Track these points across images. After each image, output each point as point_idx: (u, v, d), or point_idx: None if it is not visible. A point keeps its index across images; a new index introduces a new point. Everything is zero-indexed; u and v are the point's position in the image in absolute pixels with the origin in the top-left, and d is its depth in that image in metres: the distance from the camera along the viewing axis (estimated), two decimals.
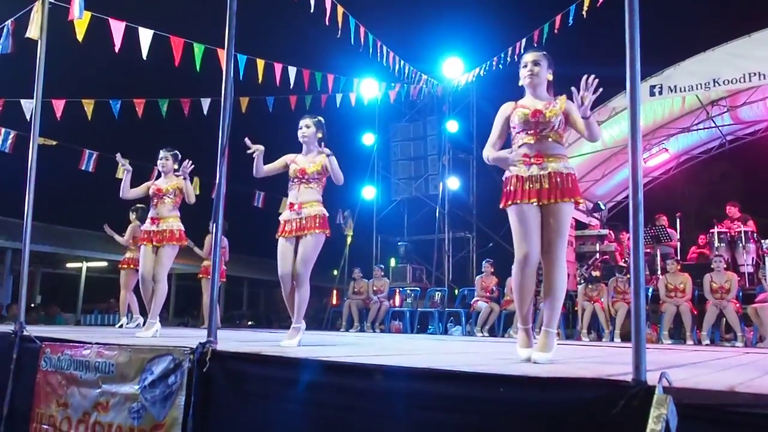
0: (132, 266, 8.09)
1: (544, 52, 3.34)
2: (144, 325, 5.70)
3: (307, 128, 4.45)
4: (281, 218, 4.45)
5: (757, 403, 1.80)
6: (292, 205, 4.38)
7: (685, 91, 9.63)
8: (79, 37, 5.60)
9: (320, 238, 4.33)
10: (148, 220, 5.55)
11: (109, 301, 16.92)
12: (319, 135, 4.47)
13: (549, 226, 3.15)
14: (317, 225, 4.28)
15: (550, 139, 3.19)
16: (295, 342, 4.14)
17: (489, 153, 3.30)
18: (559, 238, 3.14)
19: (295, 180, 4.41)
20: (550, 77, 3.32)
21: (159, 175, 5.74)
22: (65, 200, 15.77)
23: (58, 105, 7.90)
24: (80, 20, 5.53)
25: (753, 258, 9.24)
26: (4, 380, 3.92)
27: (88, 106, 8.23)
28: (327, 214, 4.40)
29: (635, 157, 2.13)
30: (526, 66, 3.29)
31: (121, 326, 7.90)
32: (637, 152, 2.14)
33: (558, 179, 3.13)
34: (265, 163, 4.46)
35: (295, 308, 4.31)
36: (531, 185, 3.14)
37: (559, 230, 3.14)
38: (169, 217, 5.51)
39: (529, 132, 3.21)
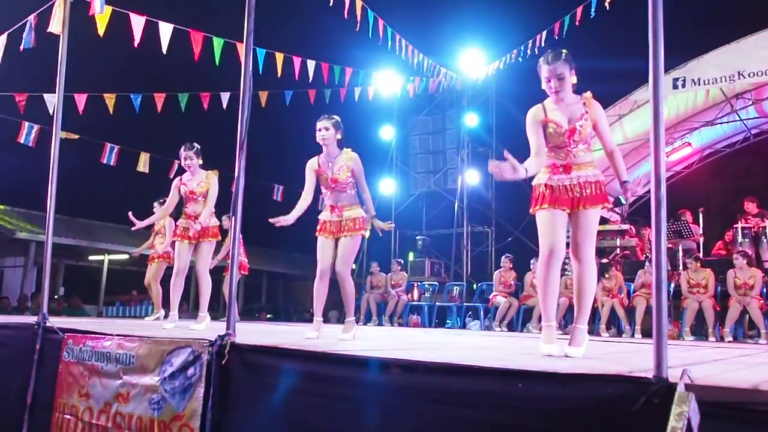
0: (161, 258, 8.11)
1: (563, 55, 3.15)
2: (166, 317, 5.81)
3: (326, 131, 4.42)
4: (321, 217, 4.53)
5: None
6: (333, 207, 4.47)
7: (708, 83, 9.49)
8: (101, 31, 5.65)
9: (358, 239, 4.46)
10: (183, 216, 5.63)
11: (131, 293, 17.12)
12: (339, 135, 4.48)
13: (577, 228, 3.23)
14: (356, 227, 4.40)
15: (580, 149, 3.26)
16: (351, 335, 4.30)
17: (527, 166, 3.13)
18: (587, 240, 3.23)
19: (330, 187, 4.48)
20: (575, 80, 3.22)
21: (180, 170, 5.80)
22: (88, 194, 15.96)
23: (80, 99, 7.97)
24: (101, 15, 5.57)
25: None
26: (27, 370, 3.98)
27: (110, 100, 8.30)
28: (365, 216, 4.50)
29: (658, 151, 2.10)
30: (549, 80, 3.17)
31: (158, 318, 7.81)
32: (660, 146, 2.10)
33: (588, 189, 3.21)
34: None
35: (345, 304, 4.49)
36: (560, 194, 3.22)
37: (587, 232, 3.23)
38: (213, 213, 5.64)
39: (560, 146, 3.25)
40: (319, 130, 4.43)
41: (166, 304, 6.62)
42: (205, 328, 5.23)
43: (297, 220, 4.46)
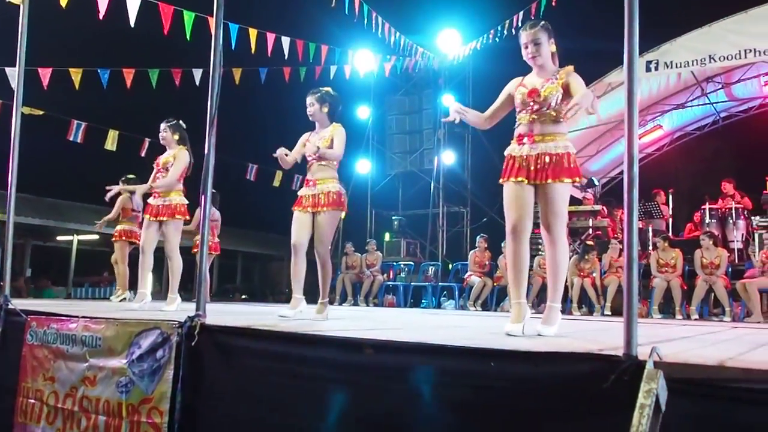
0: (125, 238, 8.01)
1: (542, 24, 3.23)
2: (135, 299, 5.67)
3: (311, 106, 4.42)
4: (299, 193, 4.48)
5: (746, 378, 1.79)
6: (308, 181, 4.42)
7: (681, 67, 9.57)
8: (63, 2, 5.47)
9: (335, 215, 4.36)
10: (153, 195, 5.50)
11: (102, 274, 16.86)
12: (325, 109, 4.41)
13: (544, 205, 3.16)
14: (331, 201, 4.30)
15: (547, 118, 3.17)
16: (323, 316, 4.25)
17: (477, 114, 3.41)
18: (555, 218, 3.14)
19: (310, 158, 4.42)
20: (553, 48, 3.24)
21: (155, 149, 5.66)
22: (55, 172, 15.61)
23: (45, 74, 7.74)
24: None
25: (743, 234, 9.28)
26: None
27: (76, 75, 8.08)
28: (342, 191, 4.40)
29: (631, 131, 2.09)
30: (526, 47, 3.23)
31: (124, 299, 7.74)
32: (633, 126, 2.10)
33: (547, 159, 3.11)
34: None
35: (321, 284, 4.39)
36: (521, 164, 3.16)
37: (553, 210, 3.14)
38: (170, 191, 5.44)
39: (526, 111, 3.21)
40: (307, 107, 4.44)
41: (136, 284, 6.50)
42: (176, 309, 5.14)
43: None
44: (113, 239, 8.21)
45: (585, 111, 2.97)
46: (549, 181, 3.09)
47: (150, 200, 5.51)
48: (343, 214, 4.48)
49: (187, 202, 5.53)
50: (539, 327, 3.05)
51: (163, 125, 5.53)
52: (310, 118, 4.45)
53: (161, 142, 5.57)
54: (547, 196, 3.13)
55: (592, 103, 3.02)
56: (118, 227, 8.09)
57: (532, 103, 3.18)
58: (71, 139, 9.34)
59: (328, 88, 4.49)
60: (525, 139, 3.19)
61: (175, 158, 5.41)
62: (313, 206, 4.33)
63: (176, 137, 5.49)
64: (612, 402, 1.84)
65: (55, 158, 12.99)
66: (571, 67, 3.23)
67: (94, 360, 3.24)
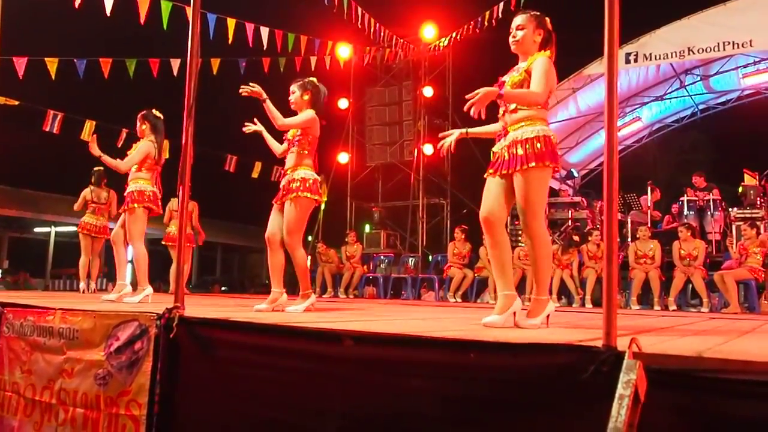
0: (85, 231, 8.05)
1: (532, 13, 3.22)
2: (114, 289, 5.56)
3: (292, 94, 4.42)
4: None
5: (724, 369, 1.81)
6: (284, 172, 4.41)
7: (660, 59, 9.65)
8: None
9: (303, 204, 4.26)
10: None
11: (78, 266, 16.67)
12: (306, 96, 4.39)
13: (516, 197, 3.09)
14: (299, 188, 4.23)
15: (517, 107, 3.13)
16: (301, 308, 4.21)
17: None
18: (528, 209, 3.04)
19: (287, 146, 4.42)
20: (539, 38, 3.19)
21: (130, 138, 5.57)
22: (32, 163, 15.36)
23: (20, 63, 7.59)
24: None
25: (720, 226, 9.42)
26: None
27: (51, 65, 7.93)
28: (310, 178, 4.31)
29: (611, 123, 2.10)
30: (511, 32, 3.25)
31: (82, 291, 7.88)
32: (613, 118, 2.10)
33: (518, 147, 3.05)
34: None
35: (297, 277, 4.37)
36: (497, 159, 3.19)
37: (525, 200, 3.04)
38: (137, 179, 5.31)
39: (501, 104, 3.21)
40: (289, 96, 4.43)
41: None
42: (139, 299, 4.94)
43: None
44: (79, 230, 8.25)
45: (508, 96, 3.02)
46: (518, 170, 3.04)
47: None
48: (315, 204, 4.37)
49: (148, 189, 5.26)
50: (519, 319, 3.03)
51: (138, 117, 5.44)
52: (292, 107, 4.41)
53: (138, 135, 5.47)
54: (517, 188, 3.07)
55: (528, 99, 3.04)
56: (84, 218, 8.16)
57: (500, 97, 3.12)
58: (47, 129, 9.18)
59: (314, 78, 4.47)
60: (502, 134, 3.22)
61: (137, 147, 5.33)
62: (283, 195, 4.30)
63: (144, 127, 5.36)
64: (591, 393, 1.85)
65: (32, 149, 12.77)
66: (543, 54, 3.15)
67: (71, 352, 3.19)
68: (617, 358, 1.84)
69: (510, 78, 3.18)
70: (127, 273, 5.37)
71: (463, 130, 3.42)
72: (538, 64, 3.08)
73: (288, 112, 4.45)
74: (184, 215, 3.18)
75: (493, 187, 3.16)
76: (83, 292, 7.87)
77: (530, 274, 3.26)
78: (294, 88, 4.41)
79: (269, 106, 4.20)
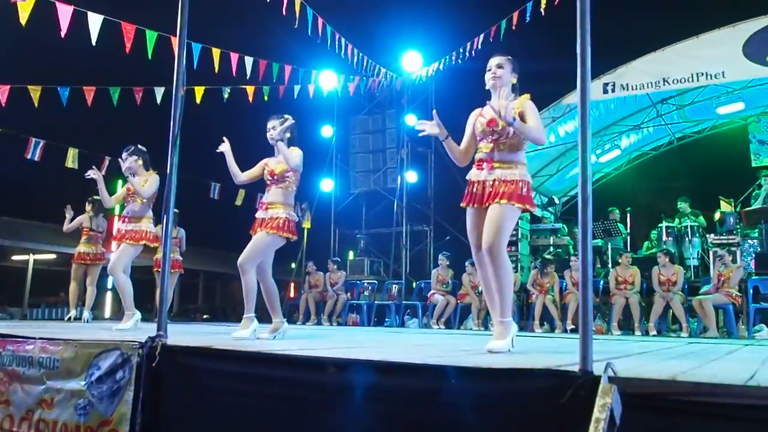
0: (81, 261, 7.99)
1: (509, 57, 3.44)
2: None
3: (273, 129, 4.42)
4: (256, 216, 4.51)
5: (696, 392, 1.86)
6: (262, 204, 4.46)
7: (636, 89, 9.86)
8: (23, 20, 5.39)
9: (273, 239, 4.33)
10: (119, 218, 5.56)
11: (59, 294, 16.47)
12: (288, 134, 4.42)
13: (488, 222, 3.21)
14: (275, 226, 4.30)
15: (505, 146, 3.30)
16: (272, 336, 4.25)
17: (453, 145, 3.48)
18: (498, 235, 3.15)
19: (268, 182, 4.48)
20: (514, 80, 3.42)
21: (112, 166, 5.66)
22: (11, 191, 15.22)
23: (3, 91, 7.59)
24: (24, 2, 5.32)
25: (698, 252, 9.57)
26: None
27: (35, 92, 7.94)
28: (292, 219, 4.40)
29: (585, 153, 2.17)
30: (490, 69, 3.42)
31: (69, 319, 7.76)
32: (586, 148, 2.18)
33: (502, 186, 3.22)
34: (243, 169, 4.53)
35: (267, 304, 4.42)
36: (477, 189, 3.32)
37: (493, 223, 3.17)
38: (142, 217, 5.52)
39: (487, 140, 3.35)
40: (268, 130, 4.44)
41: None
42: (130, 327, 5.17)
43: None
44: (73, 261, 8.20)
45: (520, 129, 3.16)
46: (498, 201, 3.19)
47: (119, 224, 5.57)
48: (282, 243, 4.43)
49: (149, 230, 5.55)
50: (490, 344, 3.12)
51: (124, 155, 5.51)
52: (271, 142, 4.43)
53: (126, 172, 5.51)
54: (493, 213, 3.19)
55: (533, 135, 3.21)
56: (80, 249, 8.09)
57: (491, 132, 3.31)
58: (29, 157, 9.14)
59: (288, 116, 4.50)
60: (484, 165, 3.33)
61: (147, 180, 5.48)
62: (260, 227, 4.36)
63: (140, 162, 5.49)
64: (569, 416, 1.89)
65: (12, 177, 12.68)
66: (526, 96, 3.37)
67: (51, 382, 3.17)
68: (593, 383, 1.88)
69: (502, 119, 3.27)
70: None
71: (447, 136, 3.44)
72: (530, 108, 3.29)
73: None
74: (168, 243, 3.20)
75: (478, 218, 3.31)
76: (69, 320, 7.74)
77: (490, 300, 3.33)
78: (275, 123, 4.42)
79: (283, 147, 4.31)
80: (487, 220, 3.22)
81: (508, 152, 3.30)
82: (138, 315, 5.35)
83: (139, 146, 5.56)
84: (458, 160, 3.52)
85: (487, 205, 3.25)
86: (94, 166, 5.64)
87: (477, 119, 3.43)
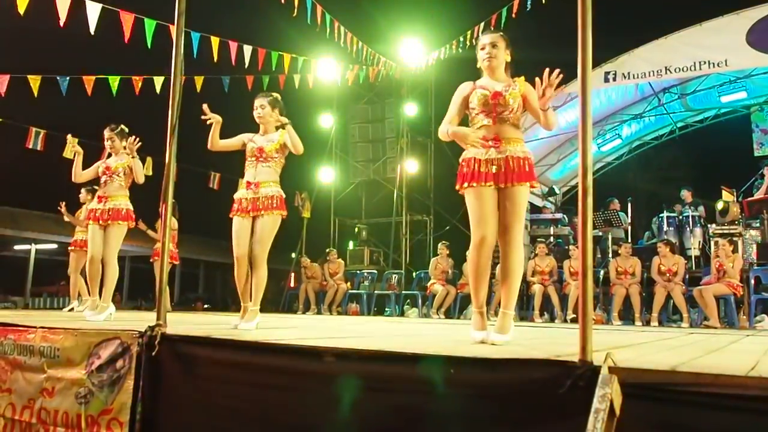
0: (82, 248, 7.93)
1: (501, 33, 3.35)
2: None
3: (262, 108, 4.36)
4: (236, 196, 4.37)
5: (697, 382, 1.85)
6: (249, 183, 4.31)
7: (638, 77, 9.80)
8: (21, 9, 5.36)
9: (277, 220, 4.29)
10: (95, 199, 5.37)
11: (59, 284, 16.52)
12: (276, 113, 4.38)
13: (506, 209, 3.13)
14: (275, 206, 4.24)
15: (508, 122, 3.20)
16: (253, 325, 4.12)
17: (447, 128, 3.27)
18: (516, 222, 3.14)
19: (253, 158, 4.34)
20: (508, 58, 3.33)
21: (110, 155, 5.53)
22: (13, 180, 15.21)
23: (3, 80, 7.57)
24: None
25: (699, 242, 9.55)
26: None
27: (34, 82, 7.91)
28: (284, 195, 4.36)
29: (585, 142, 2.15)
30: (484, 48, 3.29)
31: (71, 310, 7.75)
32: (587, 137, 2.16)
33: (514, 163, 3.12)
34: (222, 138, 4.39)
35: (253, 290, 4.24)
36: (488, 168, 3.12)
37: (515, 213, 3.13)
38: (117, 195, 5.30)
39: (488, 114, 3.20)
40: (256, 108, 4.37)
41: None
42: (104, 318, 4.92)
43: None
44: (70, 248, 8.12)
45: (547, 114, 3.10)
46: (515, 183, 3.11)
47: (93, 205, 5.37)
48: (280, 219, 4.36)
49: (132, 207, 5.38)
50: (492, 335, 3.05)
51: (108, 132, 5.38)
52: (259, 121, 4.37)
53: (109, 149, 5.42)
54: (511, 200, 3.12)
55: (553, 119, 3.17)
56: (76, 236, 8.01)
57: (494, 106, 3.18)
58: (30, 146, 9.12)
59: (277, 95, 4.47)
60: (490, 142, 3.15)
61: (131, 169, 5.32)
62: (254, 210, 4.25)
63: (124, 143, 5.35)
64: (568, 407, 1.89)
65: (13, 166, 12.68)
66: (523, 78, 3.29)
67: (52, 371, 3.17)
68: (593, 373, 1.87)
69: (509, 93, 3.21)
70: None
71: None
72: (533, 93, 3.18)
73: (249, 124, 4.44)
74: (167, 233, 3.19)
75: (491, 203, 3.13)
76: (72, 310, 7.70)
77: (498, 290, 3.29)
78: (264, 102, 4.36)
79: (293, 134, 4.24)
80: (508, 207, 3.12)
81: (512, 128, 3.21)
82: (113, 308, 5.13)
83: (123, 127, 5.46)
84: (444, 130, 3.37)
85: (499, 186, 3.12)
86: (75, 143, 5.44)
87: (474, 91, 3.27)
